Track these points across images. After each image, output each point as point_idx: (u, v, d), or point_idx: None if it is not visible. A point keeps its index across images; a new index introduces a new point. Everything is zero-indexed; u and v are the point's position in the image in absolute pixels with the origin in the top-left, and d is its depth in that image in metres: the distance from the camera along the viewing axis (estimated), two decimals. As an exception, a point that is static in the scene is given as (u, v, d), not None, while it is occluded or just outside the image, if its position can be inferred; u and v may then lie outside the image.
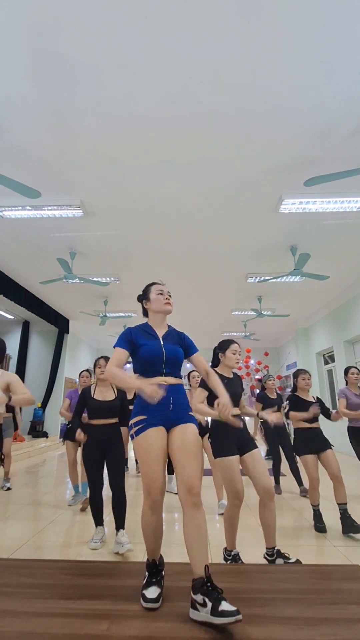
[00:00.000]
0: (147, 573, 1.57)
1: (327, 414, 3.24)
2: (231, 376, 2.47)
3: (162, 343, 1.80)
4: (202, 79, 2.78)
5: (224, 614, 1.25)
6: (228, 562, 2.28)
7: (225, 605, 1.28)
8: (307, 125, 3.22)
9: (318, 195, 4.12)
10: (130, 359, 1.80)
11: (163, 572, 1.61)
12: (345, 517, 2.87)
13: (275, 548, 2.24)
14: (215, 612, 1.27)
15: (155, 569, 1.58)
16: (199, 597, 1.34)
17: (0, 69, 2.68)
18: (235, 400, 2.36)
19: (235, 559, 2.28)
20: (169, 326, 1.94)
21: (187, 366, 2.86)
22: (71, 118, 3.14)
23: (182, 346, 1.87)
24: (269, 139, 3.39)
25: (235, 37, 2.47)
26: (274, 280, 6.08)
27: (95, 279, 6.14)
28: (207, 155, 3.61)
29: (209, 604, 1.30)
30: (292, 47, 2.53)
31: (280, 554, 2.24)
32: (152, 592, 1.47)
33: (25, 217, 4.55)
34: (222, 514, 3.30)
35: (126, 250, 5.82)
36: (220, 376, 2.47)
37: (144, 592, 1.48)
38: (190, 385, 3.98)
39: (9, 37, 2.46)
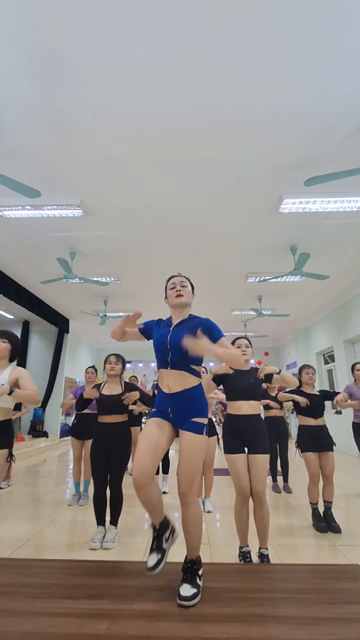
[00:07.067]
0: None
1: (332, 398, 3.39)
2: (247, 369, 2.51)
3: (170, 330, 1.74)
4: (201, 79, 2.78)
5: (179, 596, 1.48)
6: (239, 559, 2.28)
7: (183, 589, 1.51)
8: (307, 125, 3.21)
9: (318, 195, 4.12)
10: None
11: (165, 536, 1.62)
12: (327, 515, 3.02)
13: (266, 551, 2.26)
14: (178, 591, 1.52)
15: (156, 532, 1.62)
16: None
17: (1, 69, 2.68)
18: (250, 392, 2.38)
19: (245, 556, 2.27)
20: (191, 315, 1.85)
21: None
22: (71, 118, 3.14)
23: (197, 332, 1.67)
24: (269, 139, 3.39)
25: (235, 36, 2.47)
26: (274, 280, 6.08)
27: (95, 279, 6.13)
28: (207, 155, 3.61)
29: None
30: (291, 46, 2.53)
31: (265, 557, 2.24)
32: (152, 559, 1.52)
33: (25, 217, 4.55)
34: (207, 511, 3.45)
35: (126, 250, 5.82)
36: (236, 370, 2.50)
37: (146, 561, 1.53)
38: None
39: (9, 38, 2.46)
